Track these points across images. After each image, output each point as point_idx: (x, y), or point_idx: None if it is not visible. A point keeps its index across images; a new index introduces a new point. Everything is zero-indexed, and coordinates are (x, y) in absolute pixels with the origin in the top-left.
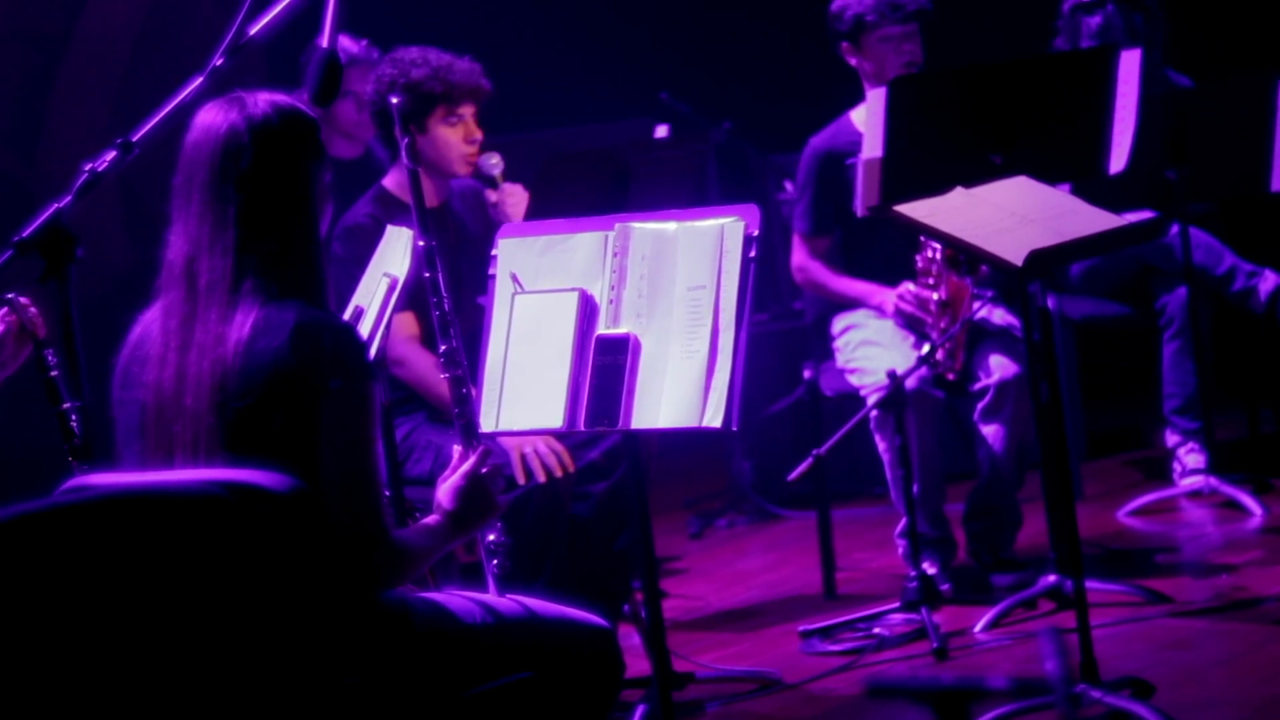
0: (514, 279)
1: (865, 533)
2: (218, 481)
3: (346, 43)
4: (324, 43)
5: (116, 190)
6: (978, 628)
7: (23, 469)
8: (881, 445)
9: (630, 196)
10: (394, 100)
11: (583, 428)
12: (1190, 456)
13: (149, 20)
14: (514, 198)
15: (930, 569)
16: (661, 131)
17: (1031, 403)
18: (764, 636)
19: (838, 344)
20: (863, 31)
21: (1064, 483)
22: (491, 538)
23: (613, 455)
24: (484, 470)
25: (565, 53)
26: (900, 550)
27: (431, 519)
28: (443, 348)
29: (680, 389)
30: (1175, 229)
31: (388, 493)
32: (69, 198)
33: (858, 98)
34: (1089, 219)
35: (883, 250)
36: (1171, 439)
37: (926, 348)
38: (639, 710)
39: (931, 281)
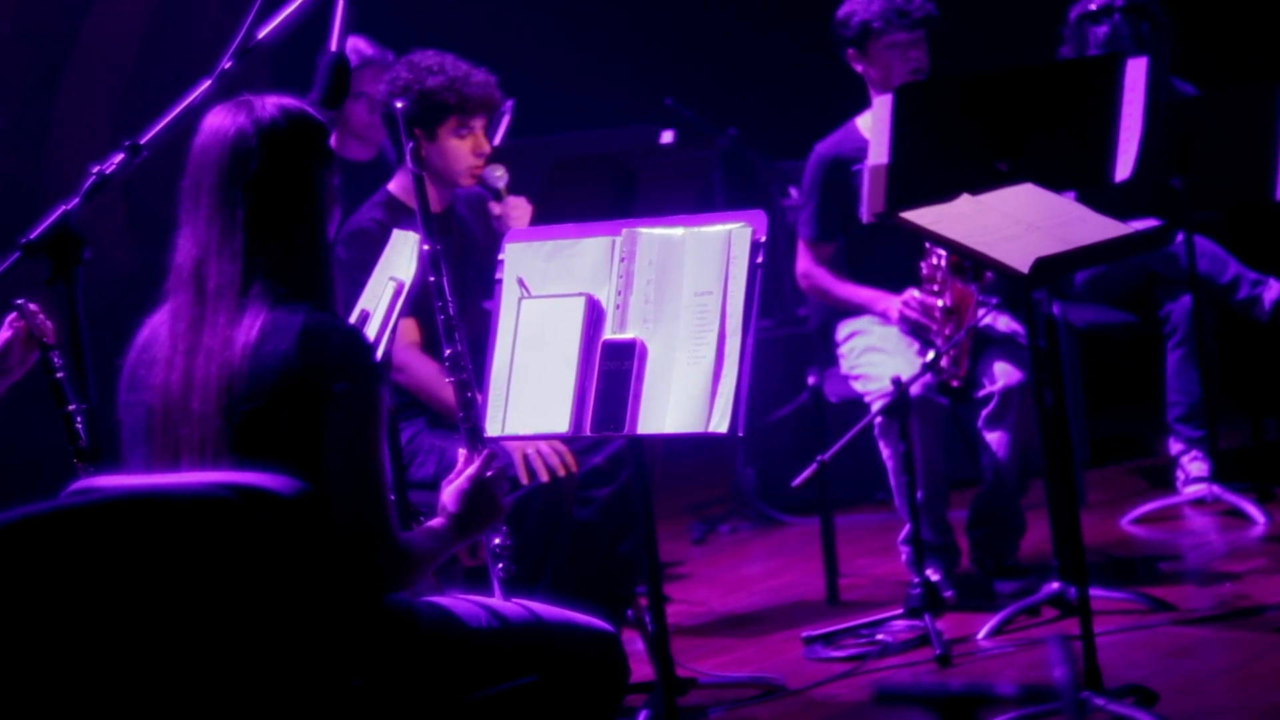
0: (521, 283)
1: (868, 539)
2: (224, 484)
3: (361, 44)
4: (333, 46)
5: (120, 193)
6: (981, 634)
7: (28, 471)
8: (885, 452)
9: (636, 201)
10: (398, 105)
11: (589, 432)
12: (1194, 464)
13: (154, 22)
14: (518, 210)
15: (934, 575)
16: (667, 137)
17: (1035, 410)
18: (767, 642)
19: (842, 350)
20: (869, 38)
21: (1069, 490)
22: (497, 541)
23: (617, 460)
24: (489, 474)
25: (571, 58)
26: (904, 557)
27: (436, 522)
28: (447, 352)
29: (687, 394)
30: (1180, 237)
31: (393, 496)
32: (77, 200)
33: (863, 104)
34: (1095, 227)
35: (887, 257)
36: (1175, 447)
37: (931, 354)
38: (642, 715)
39: (936, 288)
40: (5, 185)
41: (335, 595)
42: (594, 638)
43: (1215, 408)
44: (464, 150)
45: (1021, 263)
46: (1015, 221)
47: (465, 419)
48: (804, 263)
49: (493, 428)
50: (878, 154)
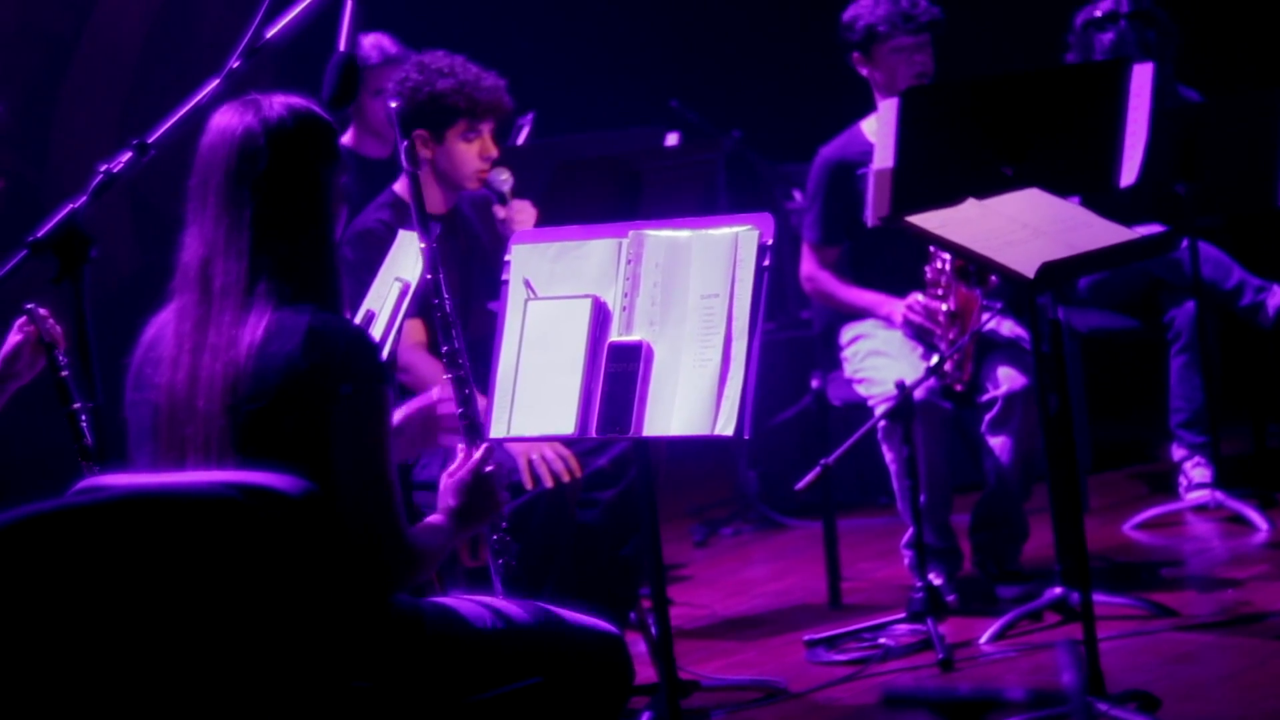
0: (527, 285)
1: (870, 543)
2: (230, 483)
3: (385, 42)
4: (342, 46)
5: (124, 191)
6: (983, 639)
7: (33, 469)
8: (889, 456)
9: (641, 204)
10: (392, 105)
11: (594, 434)
12: (1196, 470)
13: (158, 21)
14: (522, 214)
15: (936, 580)
16: (672, 139)
17: (1039, 415)
18: (769, 645)
19: (846, 354)
20: (874, 42)
21: (1072, 495)
22: (496, 537)
23: (621, 462)
24: (487, 468)
25: (577, 59)
26: (906, 561)
27: (435, 517)
28: (444, 349)
29: (692, 396)
30: (1184, 243)
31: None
32: (84, 198)
33: (867, 108)
34: (1101, 232)
35: (892, 261)
36: (1178, 453)
37: (935, 359)
38: (644, 717)
39: (940, 292)
40: (9, 183)
41: (341, 595)
42: (599, 639)
43: (1218, 414)
44: (471, 154)
45: (1027, 267)
46: (1020, 226)
47: (463, 415)
48: (808, 266)
49: (498, 429)
50: (883, 158)
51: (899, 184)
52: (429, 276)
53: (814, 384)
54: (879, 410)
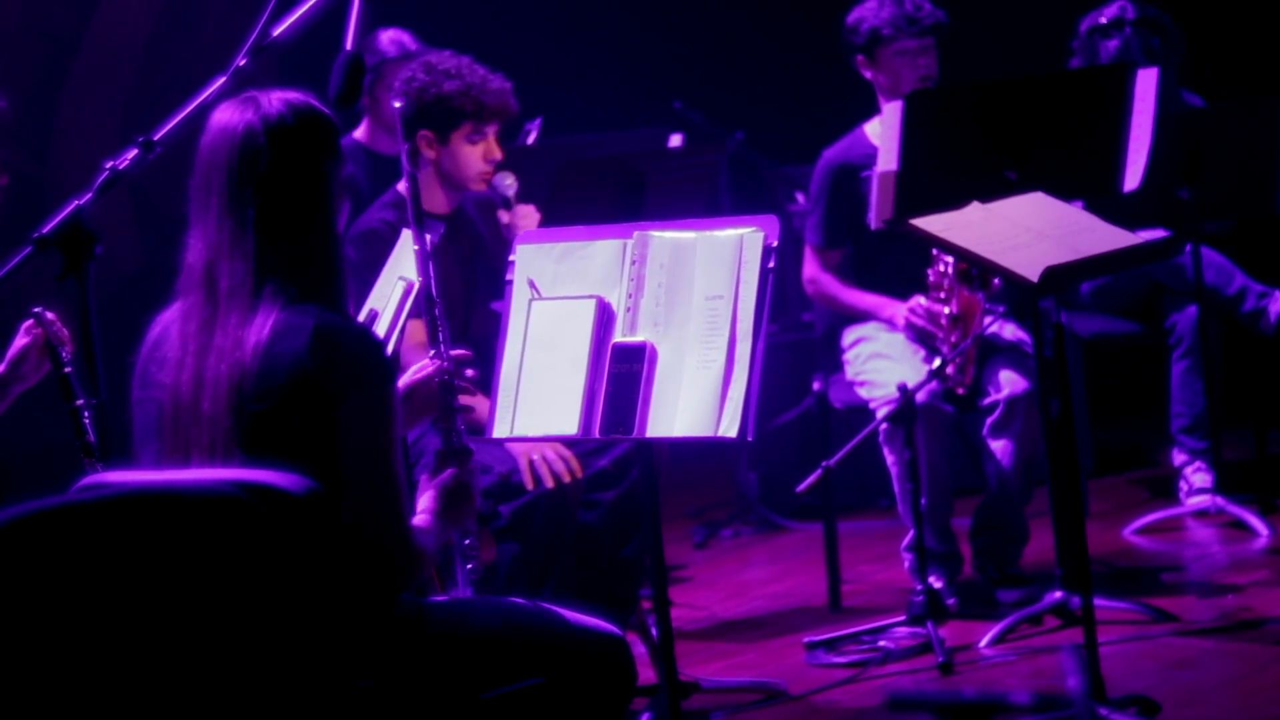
0: (531, 285)
1: (870, 545)
2: (233, 481)
3: (405, 39)
4: (348, 45)
5: (126, 189)
6: (983, 643)
7: (36, 466)
8: (890, 458)
9: (645, 205)
10: (396, 105)
11: (598, 434)
12: (1197, 476)
13: (162, 18)
14: (527, 219)
15: (936, 583)
16: (675, 140)
17: (1040, 419)
18: (769, 647)
19: (848, 356)
20: (878, 45)
21: (1074, 499)
22: (467, 541)
23: (622, 463)
24: (464, 477)
25: (580, 60)
26: (907, 564)
27: (421, 519)
28: (431, 352)
29: (696, 398)
30: (1187, 248)
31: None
32: (89, 195)
33: (870, 110)
34: (1104, 236)
35: (894, 263)
36: (1178, 458)
37: (937, 362)
38: (644, 718)
39: (943, 295)
40: (11, 179)
41: (344, 594)
42: (602, 640)
43: (1219, 419)
44: (475, 155)
45: (1030, 271)
46: (1024, 230)
47: (443, 421)
48: (810, 269)
49: (501, 429)
50: (887, 160)
51: (903, 187)
52: (420, 280)
53: (815, 386)
54: (881, 413)
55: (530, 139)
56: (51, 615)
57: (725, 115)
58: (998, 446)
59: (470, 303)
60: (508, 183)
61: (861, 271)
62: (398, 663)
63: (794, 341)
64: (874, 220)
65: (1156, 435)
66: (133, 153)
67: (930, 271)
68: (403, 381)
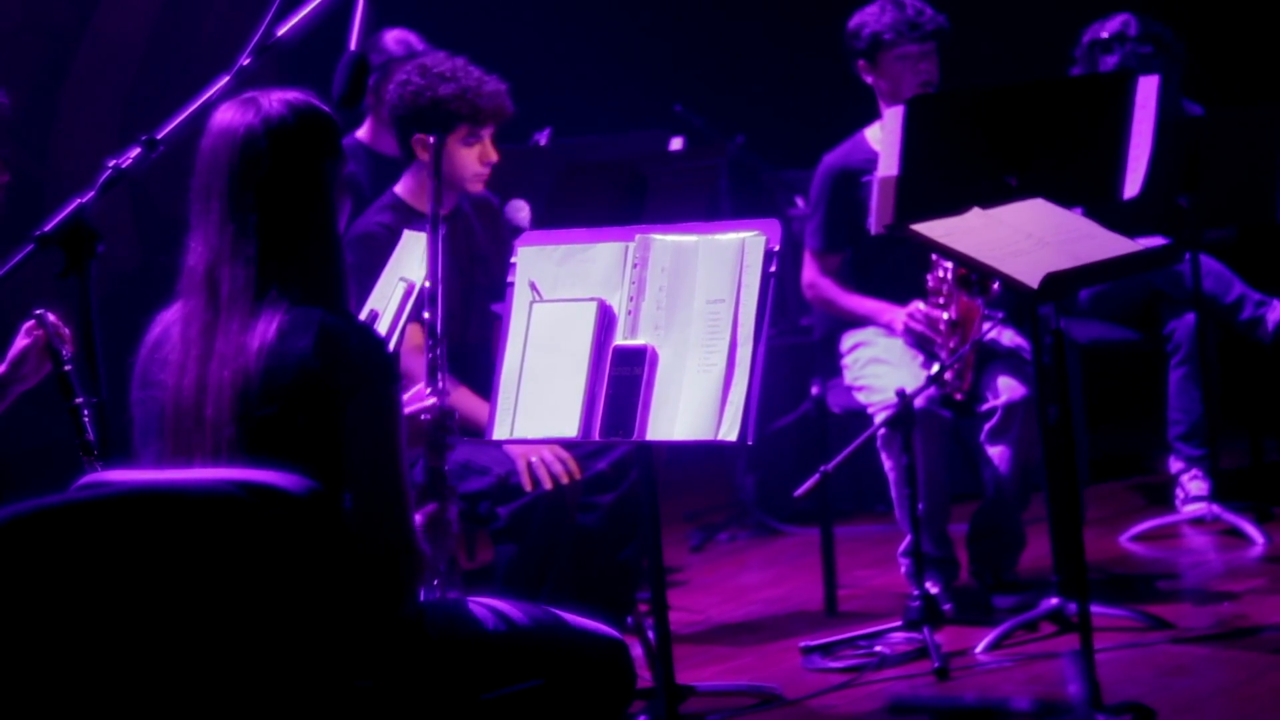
0: (533, 287)
1: (867, 550)
2: (234, 481)
3: (412, 39)
4: (352, 45)
5: (125, 187)
6: (979, 649)
7: (36, 464)
8: (888, 464)
9: (646, 207)
10: (400, 115)
11: (598, 437)
12: (1193, 483)
13: (163, 17)
14: None
15: (933, 589)
16: (676, 144)
17: (1038, 425)
18: (765, 651)
19: (846, 361)
20: (879, 50)
21: (1072, 506)
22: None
23: (621, 466)
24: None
25: (582, 62)
26: (903, 569)
27: None
28: (428, 388)
29: (697, 401)
30: (1186, 255)
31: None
32: (92, 193)
33: (870, 115)
34: (1105, 243)
35: (893, 269)
36: (1175, 465)
37: (935, 367)
38: None
39: (942, 301)
40: (12, 177)
41: (345, 595)
42: (602, 643)
43: (1216, 427)
44: (471, 158)
45: (1031, 277)
46: (1025, 236)
47: (432, 459)
48: (809, 273)
49: (501, 431)
50: (887, 165)
51: (903, 192)
52: (429, 318)
53: (814, 391)
54: (879, 418)
55: (543, 138)
56: (52, 613)
57: (725, 119)
58: (995, 452)
59: (469, 305)
60: (522, 216)
61: (861, 276)
62: (398, 663)
63: (792, 346)
64: (874, 225)
65: (1153, 442)
66: (135, 151)
67: (929, 277)
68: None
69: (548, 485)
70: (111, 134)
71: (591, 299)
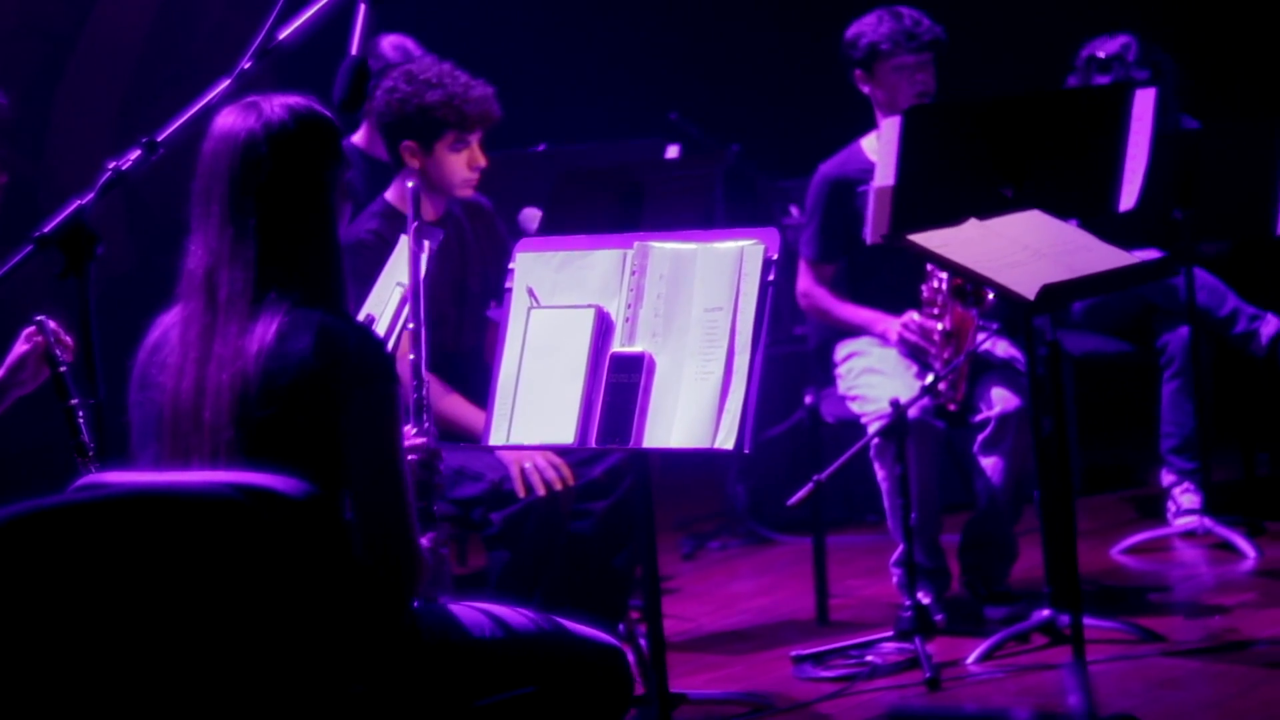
0: (530, 293)
1: (858, 560)
2: (232, 484)
3: (409, 44)
4: (353, 50)
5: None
6: (970, 659)
7: (31, 464)
8: (881, 473)
9: (642, 215)
10: (387, 122)
11: (594, 444)
12: (1185, 496)
13: (159, 19)
14: None
15: (924, 599)
16: (672, 152)
17: (1031, 436)
18: (756, 660)
19: (840, 371)
20: (876, 60)
21: (1066, 518)
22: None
23: (614, 473)
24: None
25: (579, 69)
26: (895, 579)
27: None
28: (413, 429)
29: (694, 409)
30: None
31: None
32: (91, 195)
33: (866, 125)
34: (1101, 255)
35: (888, 279)
36: (1167, 478)
37: (929, 378)
38: None
39: (936, 311)
40: (10, 178)
41: (342, 599)
42: (599, 651)
43: (1208, 440)
44: (459, 164)
45: (1027, 289)
46: (1022, 248)
47: (420, 499)
48: (804, 282)
49: (498, 437)
50: (884, 175)
51: (899, 202)
52: (414, 358)
53: (808, 400)
54: (873, 428)
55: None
56: (47, 613)
57: (721, 127)
58: (988, 464)
59: (462, 310)
60: (534, 228)
61: (855, 286)
62: (392, 668)
63: (786, 354)
64: (870, 235)
65: (1145, 455)
66: (136, 153)
67: (924, 287)
68: None
69: (541, 491)
70: (106, 136)
71: (589, 306)
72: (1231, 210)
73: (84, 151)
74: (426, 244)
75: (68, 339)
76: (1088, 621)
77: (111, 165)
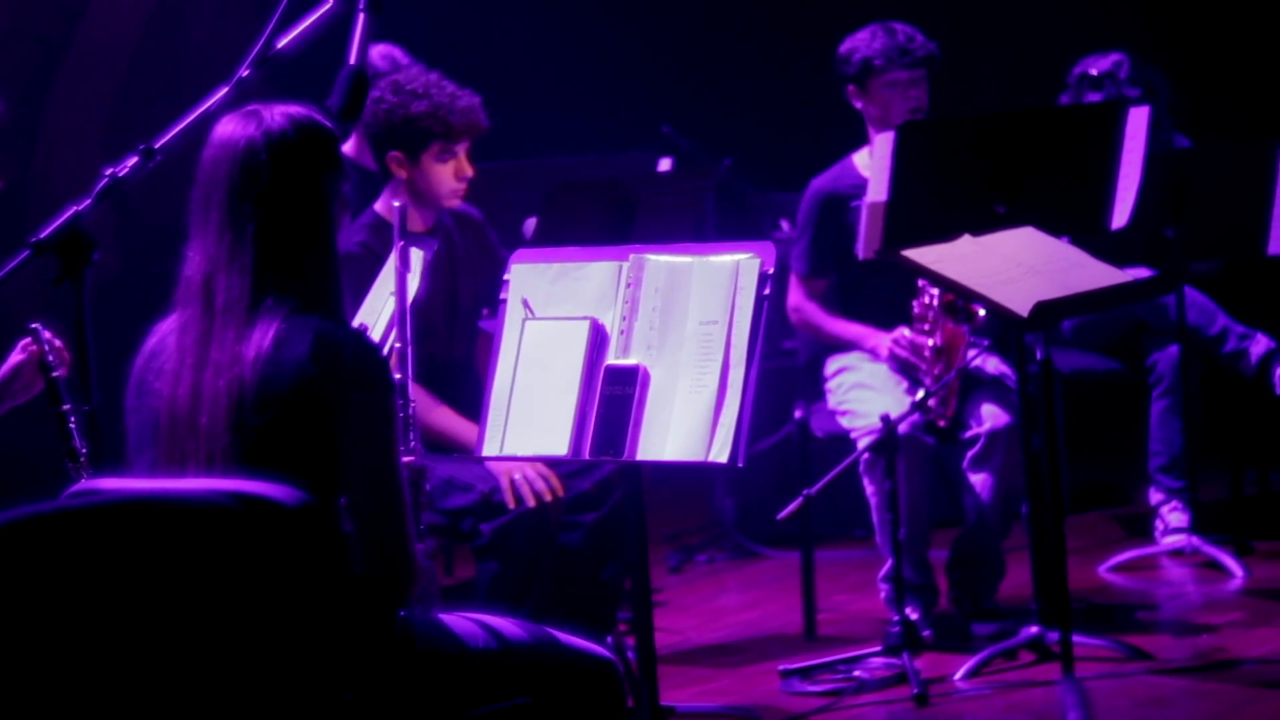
0: (525, 304)
1: (845, 575)
2: (227, 492)
3: (398, 54)
4: (352, 59)
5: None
6: (957, 675)
7: (23, 469)
8: (870, 489)
9: (635, 228)
10: (374, 133)
11: (588, 456)
12: (1173, 515)
13: (150, 27)
14: None
15: (912, 614)
16: (665, 165)
17: (1021, 453)
18: (743, 674)
19: (830, 385)
20: (870, 75)
21: (1056, 535)
22: None
23: (604, 486)
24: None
25: (572, 81)
26: (883, 594)
27: None
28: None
29: (688, 422)
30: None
31: None
32: (88, 201)
33: (858, 140)
34: (1095, 273)
35: (880, 294)
36: (1155, 497)
37: (920, 394)
38: None
39: (927, 327)
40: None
41: (340, 607)
42: (592, 663)
43: (1196, 459)
44: (446, 174)
45: (1021, 305)
46: (1015, 264)
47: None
48: (795, 297)
49: (491, 447)
50: (877, 191)
51: (892, 218)
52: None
53: (797, 414)
54: (862, 443)
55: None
56: (40, 619)
57: (712, 140)
58: (977, 480)
59: (452, 321)
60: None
61: (846, 301)
62: (386, 678)
63: (775, 369)
64: (862, 251)
65: (1133, 473)
66: (133, 160)
67: (915, 303)
68: None
69: (530, 502)
70: (96, 143)
71: (584, 318)
72: (1223, 229)
73: (74, 158)
74: (420, 257)
75: (59, 343)
76: (1075, 639)
77: (109, 171)
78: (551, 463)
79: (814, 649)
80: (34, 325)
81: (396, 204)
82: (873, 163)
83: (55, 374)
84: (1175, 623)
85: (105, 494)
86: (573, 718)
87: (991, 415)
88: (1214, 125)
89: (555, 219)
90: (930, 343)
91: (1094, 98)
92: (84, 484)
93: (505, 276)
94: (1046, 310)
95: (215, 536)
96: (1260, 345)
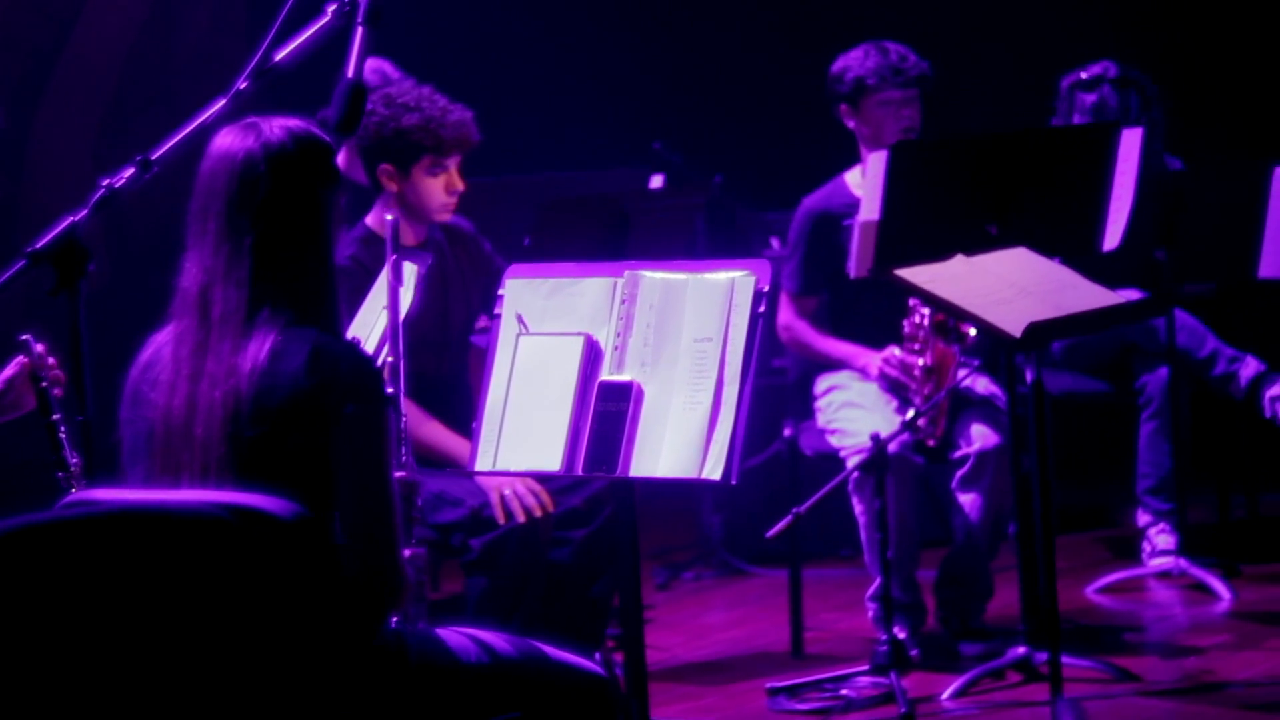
0: (519, 320)
1: (833, 594)
2: (221, 504)
3: (387, 68)
4: (350, 73)
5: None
6: (945, 695)
7: (17, 479)
8: (859, 508)
9: (627, 244)
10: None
11: (581, 472)
12: (1161, 537)
13: (140, 38)
14: None
15: (900, 634)
16: (657, 182)
17: (1010, 474)
18: (730, 691)
19: (820, 404)
20: (862, 94)
21: (1046, 556)
22: None
23: (594, 502)
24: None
25: (564, 97)
26: (871, 613)
27: None
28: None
29: (681, 439)
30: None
31: None
32: (84, 211)
33: (849, 159)
34: (1087, 295)
35: (870, 313)
36: (1143, 519)
37: (910, 413)
38: None
39: (918, 347)
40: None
41: (330, 619)
42: (585, 678)
43: (1185, 481)
44: (437, 188)
45: (1014, 326)
46: (1008, 285)
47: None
48: (785, 315)
49: (484, 462)
50: (869, 210)
51: (884, 237)
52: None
53: (787, 432)
54: (852, 462)
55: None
56: (34, 629)
57: (703, 158)
58: (966, 500)
59: (444, 335)
60: None
61: (837, 320)
62: (377, 692)
63: (765, 386)
64: (854, 270)
65: (1121, 495)
66: (129, 171)
67: (906, 323)
68: None
69: (520, 518)
70: (87, 152)
71: (578, 333)
72: (1214, 251)
73: (64, 168)
74: (414, 272)
75: (52, 360)
76: (1063, 660)
77: (105, 182)
78: (541, 478)
79: (801, 667)
80: (24, 337)
81: (389, 218)
82: (865, 182)
83: (44, 384)
84: (1162, 644)
85: (99, 504)
86: None
87: (981, 435)
88: (1206, 148)
89: (548, 234)
90: (920, 362)
91: (1088, 100)
92: (78, 494)
93: (500, 291)
94: (1039, 331)
95: (209, 548)
96: (1250, 368)
